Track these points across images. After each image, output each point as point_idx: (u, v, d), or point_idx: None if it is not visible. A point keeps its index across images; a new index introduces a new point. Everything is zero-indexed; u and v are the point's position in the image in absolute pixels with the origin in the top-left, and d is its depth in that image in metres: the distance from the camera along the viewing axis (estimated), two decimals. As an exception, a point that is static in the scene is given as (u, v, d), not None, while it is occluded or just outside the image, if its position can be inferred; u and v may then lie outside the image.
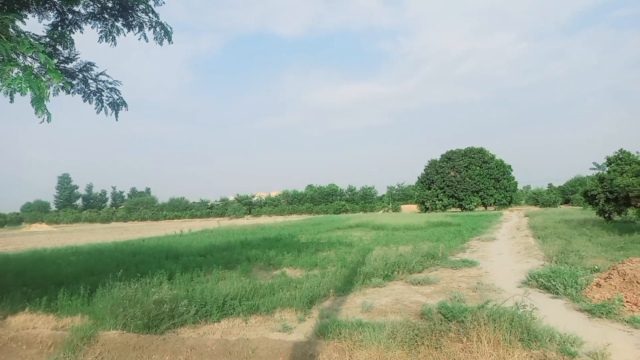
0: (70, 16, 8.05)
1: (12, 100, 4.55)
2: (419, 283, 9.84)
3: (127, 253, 16.33)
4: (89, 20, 8.15)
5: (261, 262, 13.32)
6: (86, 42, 8.98)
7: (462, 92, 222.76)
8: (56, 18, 8.00)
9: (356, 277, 9.97)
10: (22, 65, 4.60)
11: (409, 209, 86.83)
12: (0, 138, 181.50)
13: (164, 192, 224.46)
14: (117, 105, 8.55)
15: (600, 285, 8.07)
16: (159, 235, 30.68)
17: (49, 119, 4.81)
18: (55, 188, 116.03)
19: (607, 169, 23.59)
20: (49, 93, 4.68)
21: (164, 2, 8.01)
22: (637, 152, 21.96)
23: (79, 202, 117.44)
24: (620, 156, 22.82)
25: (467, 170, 72.96)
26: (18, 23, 5.18)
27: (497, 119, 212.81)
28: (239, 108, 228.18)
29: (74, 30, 8.19)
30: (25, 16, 7.34)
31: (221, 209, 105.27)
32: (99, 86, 8.48)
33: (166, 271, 10.46)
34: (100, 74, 8.46)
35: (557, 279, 8.65)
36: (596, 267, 10.28)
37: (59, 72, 5.03)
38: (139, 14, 8.02)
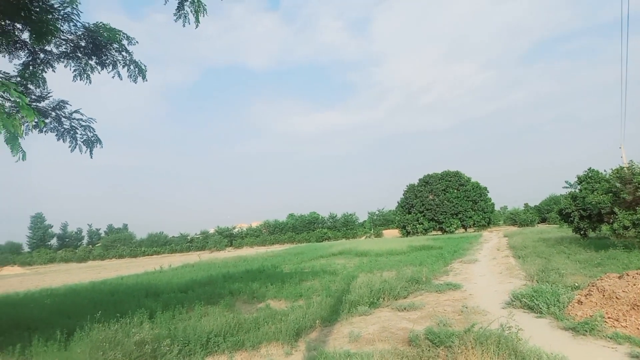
0: (42, 55, 8.02)
1: None
2: (404, 309, 9.81)
3: (104, 293, 15.79)
4: (62, 59, 8.12)
5: (245, 295, 13.06)
6: (54, 77, 8.92)
7: (429, 119, 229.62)
8: (27, 57, 7.96)
9: (342, 306, 9.87)
10: None
11: (391, 233, 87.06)
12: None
13: (142, 227, 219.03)
14: (91, 142, 8.44)
15: (581, 302, 8.21)
16: (137, 272, 29.81)
17: (23, 157, 4.73)
18: (28, 228, 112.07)
19: (578, 187, 24.35)
20: (23, 131, 4.62)
21: (137, 42, 8.07)
22: (604, 171, 22.80)
23: (54, 241, 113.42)
24: (590, 175, 23.64)
25: (445, 194, 74.06)
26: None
27: (466, 145, 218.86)
28: (214, 138, 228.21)
29: (46, 70, 8.15)
30: None
31: (202, 242, 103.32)
32: (72, 124, 8.37)
33: (146, 310, 10.13)
34: (75, 112, 8.38)
35: (540, 298, 8.76)
36: (576, 284, 10.47)
37: (32, 109, 4.99)
38: (112, 53, 8.06)
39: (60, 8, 7.08)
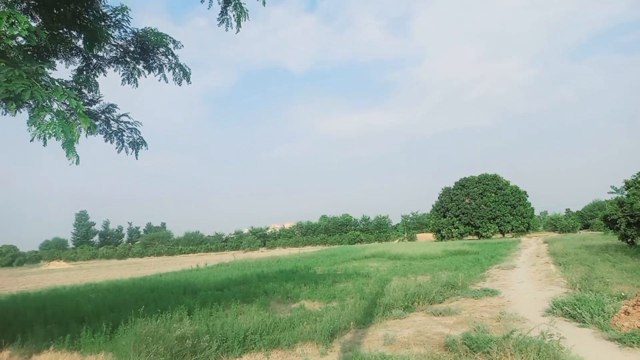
0: (94, 61, 8.47)
1: (45, 144, 4.78)
2: (440, 314, 9.67)
3: (145, 289, 16.38)
4: (112, 64, 8.55)
5: (279, 295, 13.23)
6: (104, 82, 9.36)
7: (471, 118, 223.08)
8: (81, 63, 8.42)
9: (376, 309, 9.85)
10: (55, 110, 4.85)
11: (425, 237, 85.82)
12: (19, 178, 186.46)
13: (179, 226, 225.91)
14: (137, 144, 8.80)
15: (628, 312, 7.85)
16: (175, 270, 30.71)
17: (77, 162, 5.00)
18: (73, 225, 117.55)
19: (626, 192, 23.18)
20: (79, 136, 4.90)
21: (182, 46, 8.39)
22: (656, 175, 21.63)
23: (96, 238, 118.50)
24: (639, 179, 22.46)
25: (482, 197, 72.27)
26: (48, 70, 5.51)
27: (509, 144, 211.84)
28: (251, 139, 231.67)
29: (97, 74, 8.60)
30: (54, 62, 7.78)
31: (236, 241, 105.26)
32: (120, 127, 8.77)
33: (185, 306, 10.41)
34: (122, 115, 8.78)
35: (583, 307, 8.44)
36: (623, 294, 10.00)
37: (87, 116, 5.28)
38: (159, 57, 8.40)
39: (112, 16, 7.48)
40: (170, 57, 8.50)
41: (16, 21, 4.27)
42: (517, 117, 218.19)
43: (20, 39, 4.35)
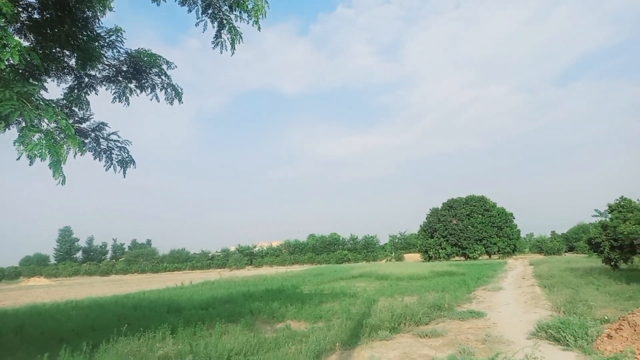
0: (86, 79, 8.49)
1: (31, 163, 4.80)
2: (426, 335, 9.67)
3: (128, 307, 16.08)
4: (104, 82, 8.58)
5: (264, 314, 13.10)
6: (96, 100, 9.38)
7: (461, 141, 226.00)
8: (73, 82, 8.44)
9: (362, 330, 9.81)
10: (44, 130, 4.86)
11: (412, 257, 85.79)
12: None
13: (165, 243, 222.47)
14: (125, 163, 8.77)
15: (611, 336, 7.94)
16: (159, 288, 30.19)
17: (63, 182, 4.99)
18: (56, 241, 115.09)
19: (609, 216, 23.62)
20: (67, 157, 4.91)
21: (175, 66, 8.49)
22: (638, 200, 22.10)
23: (79, 254, 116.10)
24: (622, 203, 22.93)
25: (469, 219, 72.78)
26: (40, 90, 5.53)
27: (497, 167, 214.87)
28: (241, 161, 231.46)
29: (89, 92, 8.62)
30: (45, 81, 7.79)
31: (222, 259, 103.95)
32: (109, 145, 8.75)
33: (169, 325, 10.27)
34: (112, 133, 8.78)
35: (567, 330, 8.51)
36: (606, 317, 10.12)
37: (77, 137, 5.29)
38: (152, 77, 8.47)
39: (105, 36, 7.56)
40: (163, 77, 8.57)
41: (8, 43, 4.31)
42: (505, 140, 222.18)
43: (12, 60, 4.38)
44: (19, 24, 6.86)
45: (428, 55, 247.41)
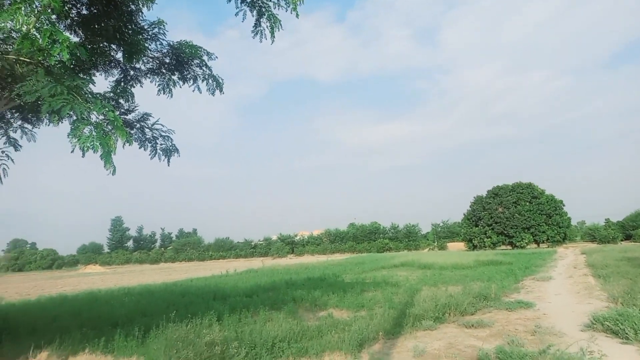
0: (131, 72, 8.80)
1: (83, 155, 4.98)
2: (472, 326, 9.41)
3: (176, 294, 16.71)
4: (148, 75, 8.85)
5: (307, 302, 13.21)
6: (140, 91, 9.71)
7: (500, 129, 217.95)
8: (119, 75, 8.76)
9: (405, 319, 9.68)
10: (94, 122, 5.05)
11: (456, 246, 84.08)
12: (58, 185, 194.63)
13: (210, 232, 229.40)
14: (169, 151, 9.04)
15: (675, 330, 7.41)
16: (205, 275, 31.22)
17: (113, 172, 5.18)
18: (109, 230, 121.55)
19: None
20: (116, 147, 5.08)
21: (216, 57, 8.62)
22: None
23: (130, 243, 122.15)
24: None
25: (515, 206, 70.17)
26: (89, 84, 5.76)
27: (542, 154, 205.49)
28: (280, 149, 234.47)
29: (134, 85, 8.92)
30: (94, 75, 8.12)
31: (264, 248, 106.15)
32: (154, 134, 9.04)
33: (215, 312, 10.55)
34: (155, 123, 9.05)
35: (626, 323, 8.01)
36: (669, 309, 9.45)
37: (124, 128, 5.47)
38: (193, 68, 8.64)
39: (149, 29, 7.77)
40: (204, 68, 8.72)
41: (57, 38, 4.48)
42: (548, 128, 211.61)
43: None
44: (69, 21, 7.17)
45: (466, 40, 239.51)
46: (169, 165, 9.13)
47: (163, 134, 9.04)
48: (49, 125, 8.17)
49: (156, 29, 7.85)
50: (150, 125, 9.02)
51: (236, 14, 7.42)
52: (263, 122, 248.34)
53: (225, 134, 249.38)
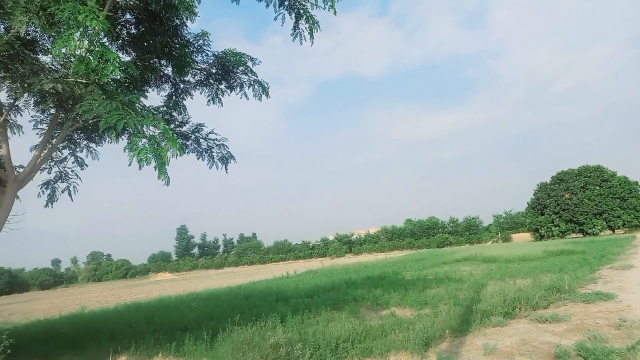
0: (181, 86, 9.15)
1: (140, 167, 5.21)
2: (546, 321, 8.83)
3: (240, 297, 17.17)
4: (197, 87, 9.16)
5: (368, 302, 13.05)
6: (191, 103, 10.08)
7: (562, 110, 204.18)
8: (170, 89, 9.14)
9: (472, 316, 9.28)
10: (148, 135, 5.26)
11: (521, 237, 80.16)
12: (128, 200, 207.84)
13: (269, 236, 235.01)
14: (226, 159, 9.31)
15: None
16: (267, 278, 31.90)
17: (167, 183, 5.37)
18: (175, 239, 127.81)
19: None
20: (169, 159, 5.26)
21: (260, 62, 8.76)
22: None
23: (195, 250, 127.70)
24: None
25: (584, 191, 65.62)
26: (141, 99, 6.04)
27: (611, 134, 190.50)
28: (331, 149, 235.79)
29: (185, 98, 9.26)
30: (147, 90, 8.51)
31: (322, 249, 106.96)
32: (209, 144, 9.35)
33: (278, 314, 10.68)
34: (210, 132, 9.35)
35: None
36: None
37: (177, 138, 5.66)
38: (239, 75, 8.84)
39: (194, 42, 8.05)
40: (249, 74, 8.89)
41: (108, 58, 4.72)
42: (615, 105, 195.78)
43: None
44: (120, 41, 7.59)
45: (517, 20, 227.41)
46: (227, 173, 9.42)
47: (218, 142, 9.33)
48: (111, 142, 8.67)
49: (201, 41, 8.11)
50: (204, 136, 9.33)
51: (275, 18, 7.48)
52: (312, 123, 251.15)
53: (277, 139, 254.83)
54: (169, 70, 8.50)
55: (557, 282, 12.70)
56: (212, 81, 8.90)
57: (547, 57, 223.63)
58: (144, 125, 5.24)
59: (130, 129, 5.12)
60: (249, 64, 8.64)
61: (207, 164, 9.20)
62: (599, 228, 63.57)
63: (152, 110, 6.00)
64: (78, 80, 5.75)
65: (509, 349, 7.02)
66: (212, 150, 9.29)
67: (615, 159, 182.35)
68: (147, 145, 5.06)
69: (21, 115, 8.19)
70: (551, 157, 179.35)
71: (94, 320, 13.78)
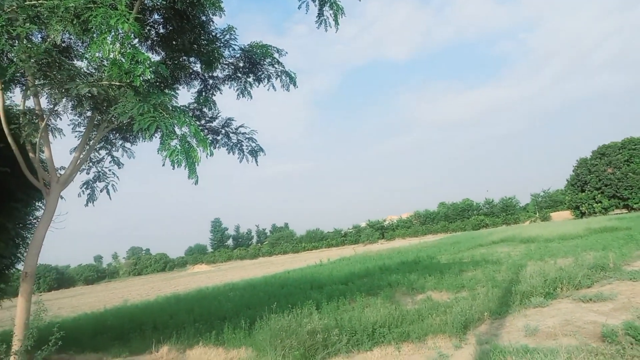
0: (210, 82, 9.27)
1: (174, 167, 5.33)
2: (590, 300, 8.56)
3: (275, 286, 17.45)
4: (226, 82, 9.25)
5: (403, 286, 13.00)
6: (220, 98, 10.24)
7: (605, 80, 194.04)
8: (200, 85, 9.27)
9: (512, 298, 9.11)
10: (179, 135, 5.38)
11: (561, 216, 77.63)
12: (164, 196, 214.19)
13: (301, 225, 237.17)
14: (255, 152, 9.43)
15: None
16: (301, 266, 32.24)
17: (196, 182, 5.49)
18: (210, 231, 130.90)
19: None
20: (200, 159, 5.37)
21: (286, 53, 8.76)
22: None
23: (230, 242, 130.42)
24: None
25: (628, 165, 62.55)
26: (172, 99, 6.17)
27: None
28: (361, 135, 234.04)
29: (214, 93, 9.39)
30: (178, 88, 8.67)
31: (355, 236, 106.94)
32: (239, 138, 9.48)
33: (313, 301, 10.77)
34: (240, 126, 9.47)
35: None
36: None
37: (207, 139, 5.78)
38: (266, 67, 8.87)
39: (221, 37, 8.13)
40: (276, 65, 8.91)
41: (139, 59, 4.85)
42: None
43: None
44: (149, 42, 7.76)
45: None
46: (257, 165, 9.52)
47: (247, 136, 9.44)
48: (144, 141, 8.95)
49: (227, 36, 8.17)
50: (234, 130, 9.45)
51: (299, 7, 7.42)
52: (341, 110, 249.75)
53: (306, 129, 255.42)
54: (197, 67, 8.65)
55: (601, 260, 12.27)
56: (240, 75, 8.96)
57: (587, 24, 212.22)
58: (174, 126, 5.38)
59: (161, 130, 5.26)
60: (275, 55, 8.64)
61: (238, 158, 9.33)
62: (645, 203, 60.70)
63: (183, 109, 6.12)
64: (112, 82, 5.93)
65: (552, 330, 6.86)
66: (242, 143, 9.41)
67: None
68: (178, 146, 5.19)
69: (60, 119, 8.56)
70: (591, 131, 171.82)
71: (136, 313, 14.35)
